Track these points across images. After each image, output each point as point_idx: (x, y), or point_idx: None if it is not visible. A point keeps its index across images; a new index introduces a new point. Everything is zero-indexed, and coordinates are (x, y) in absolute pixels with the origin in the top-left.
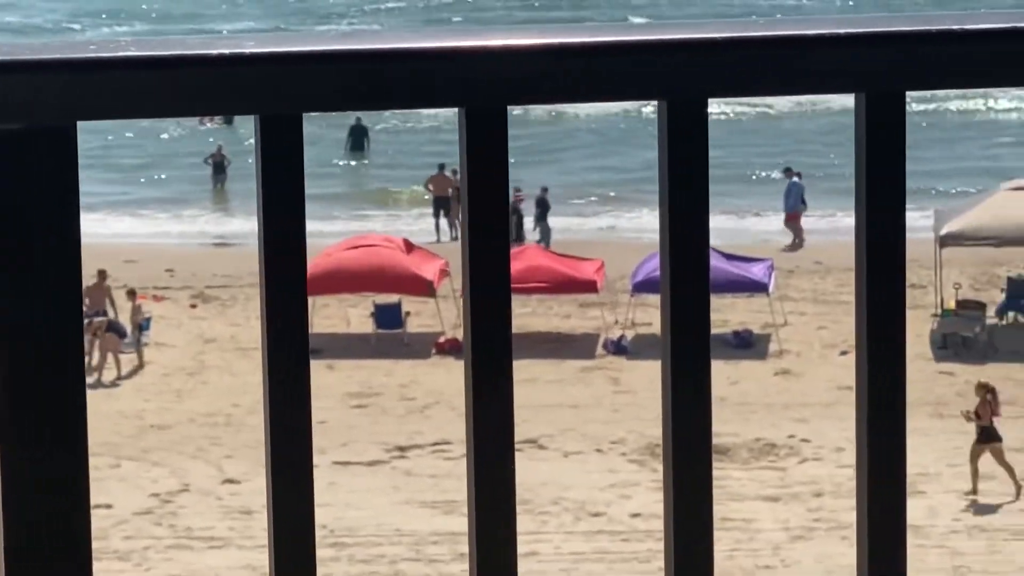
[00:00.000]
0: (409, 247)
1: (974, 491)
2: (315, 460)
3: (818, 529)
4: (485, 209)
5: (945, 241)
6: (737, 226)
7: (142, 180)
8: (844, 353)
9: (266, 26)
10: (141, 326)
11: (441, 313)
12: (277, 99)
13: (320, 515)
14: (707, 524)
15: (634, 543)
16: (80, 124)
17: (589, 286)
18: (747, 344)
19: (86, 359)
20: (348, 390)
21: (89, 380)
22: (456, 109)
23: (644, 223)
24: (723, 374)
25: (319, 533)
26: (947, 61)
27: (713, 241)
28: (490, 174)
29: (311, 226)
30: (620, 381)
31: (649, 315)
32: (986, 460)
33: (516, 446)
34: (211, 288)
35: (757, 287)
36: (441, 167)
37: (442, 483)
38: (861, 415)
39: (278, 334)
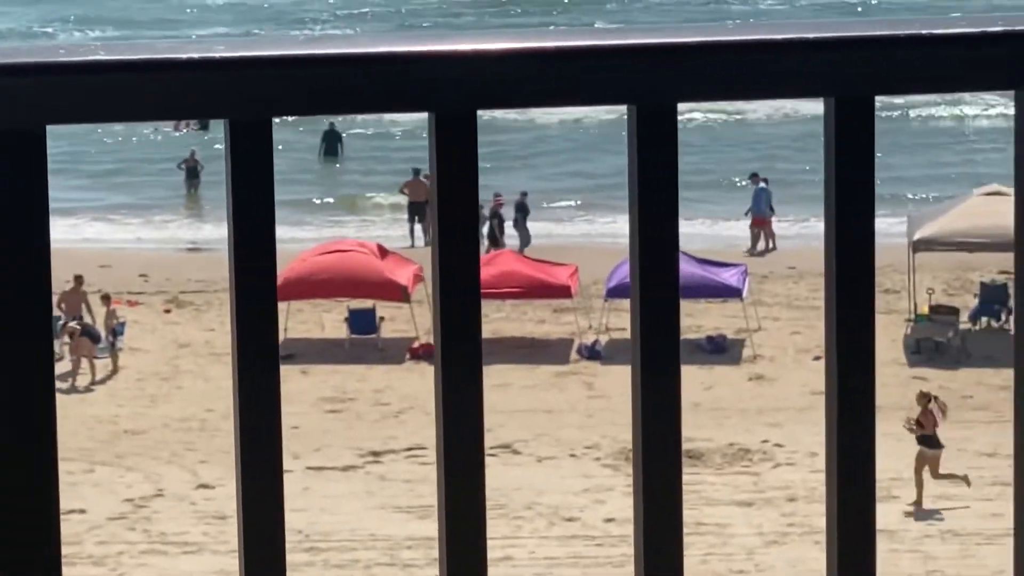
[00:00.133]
0: (383, 252)
1: (919, 501)
2: (289, 465)
3: (791, 534)
4: (455, 212)
5: (918, 246)
6: (710, 231)
7: (116, 184)
8: (818, 358)
9: (239, 32)
10: (115, 331)
11: (415, 318)
12: (247, 103)
13: (294, 520)
14: (677, 528)
15: (608, 548)
16: (54, 129)
17: (563, 291)
18: (721, 349)
19: (59, 364)
20: (322, 395)
21: (63, 385)
22: (426, 113)
23: (618, 228)
24: (697, 379)
25: (294, 538)
26: (916, 66)
27: (685, 246)
28: (460, 178)
29: (284, 232)
30: (594, 386)
31: (623, 320)
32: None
33: (490, 451)
34: (185, 293)
35: (731, 292)
36: (416, 172)
37: (417, 488)
38: (831, 419)
39: (248, 339)
